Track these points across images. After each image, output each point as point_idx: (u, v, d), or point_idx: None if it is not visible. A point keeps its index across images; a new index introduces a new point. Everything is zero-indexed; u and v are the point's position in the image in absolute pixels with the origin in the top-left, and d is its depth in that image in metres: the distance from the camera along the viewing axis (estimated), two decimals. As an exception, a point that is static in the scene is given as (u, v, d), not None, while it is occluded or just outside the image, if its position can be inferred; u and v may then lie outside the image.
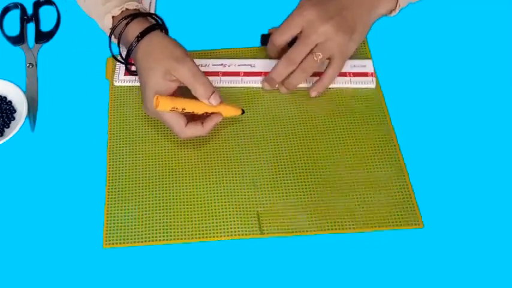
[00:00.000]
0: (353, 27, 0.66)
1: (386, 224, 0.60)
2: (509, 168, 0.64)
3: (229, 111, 0.65)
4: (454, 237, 0.59)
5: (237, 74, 0.71)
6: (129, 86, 0.72)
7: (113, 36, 0.67)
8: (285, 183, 0.63)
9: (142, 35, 0.63)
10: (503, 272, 0.57)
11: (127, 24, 0.65)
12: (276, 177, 0.64)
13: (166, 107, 0.60)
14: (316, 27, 0.64)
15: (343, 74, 0.71)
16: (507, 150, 0.65)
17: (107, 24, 0.67)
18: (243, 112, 0.66)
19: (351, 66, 0.71)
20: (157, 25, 0.65)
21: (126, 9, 0.66)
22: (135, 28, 0.64)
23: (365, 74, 0.71)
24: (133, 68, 0.68)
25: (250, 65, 0.72)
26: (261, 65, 0.72)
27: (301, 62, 0.66)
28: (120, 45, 0.67)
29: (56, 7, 0.79)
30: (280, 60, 0.67)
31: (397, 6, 0.70)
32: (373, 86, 0.70)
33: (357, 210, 0.61)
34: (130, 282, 0.57)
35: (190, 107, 0.62)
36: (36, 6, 0.79)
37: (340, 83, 0.70)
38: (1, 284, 0.58)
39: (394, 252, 0.59)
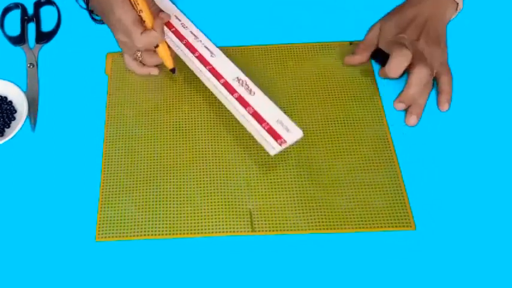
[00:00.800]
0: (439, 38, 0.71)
1: (378, 225, 0.61)
2: (502, 172, 0.65)
3: (166, 53, 0.69)
4: (446, 240, 0.60)
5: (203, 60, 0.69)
6: (128, 86, 0.73)
7: None
8: (278, 181, 0.64)
9: None
10: (494, 274, 0.58)
11: None
12: (269, 175, 0.65)
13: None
14: (417, 47, 0.68)
15: None
16: (501, 153, 0.66)
17: None
18: (174, 71, 0.71)
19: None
20: None
21: None
22: None
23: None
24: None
25: (212, 52, 0.69)
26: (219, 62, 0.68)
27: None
28: None
29: (57, 7, 0.80)
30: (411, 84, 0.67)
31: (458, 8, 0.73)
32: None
33: (350, 210, 0.62)
34: (121, 275, 0.59)
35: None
36: (37, 6, 0.80)
37: None
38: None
39: (385, 254, 0.60)
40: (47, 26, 0.78)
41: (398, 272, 0.59)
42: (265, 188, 0.64)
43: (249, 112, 0.63)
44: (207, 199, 0.63)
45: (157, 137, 0.68)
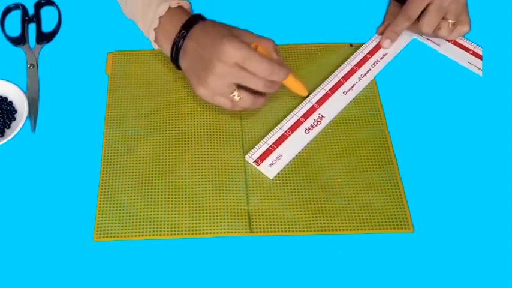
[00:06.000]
0: None
1: (376, 227, 0.61)
2: (501, 174, 0.65)
3: (295, 85, 0.64)
4: (444, 243, 0.60)
5: None
6: (128, 86, 0.73)
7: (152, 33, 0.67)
8: (276, 182, 0.64)
9: (191, 23, 0.64)
10: (493, 277, 0.58)
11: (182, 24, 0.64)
12: (267, 176, 0.65)
13: (262, 52, 0.60)
14: None
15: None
16: (500, 155, 0.66)
17: (159, 12, 0.66)
18: (308, 95, 0.68)
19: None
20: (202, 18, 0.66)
21: (182, 6, 0.67)
22: (181, 19, 0.64)
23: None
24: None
25: None
26: None
27: (435, 30, 0.72)
28: (160, 41, 0.67)
29: (57, 8, 0.80)
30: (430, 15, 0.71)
31: None
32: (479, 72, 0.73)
33: (348, 211, 0.62)
34: (119, 275, 0.59)
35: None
36: (37, 7, 0.80)
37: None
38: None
39: (383, 256, 0.60)
40: (47, 26, 0.79)
41: (396, 274, 0.59)
42: (263, 189, 0.64)
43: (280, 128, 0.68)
44: (206, 199, 0.63)
45: (157, 137, 0.68)
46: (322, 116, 0.69)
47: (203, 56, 0.61)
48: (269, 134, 0.68)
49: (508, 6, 0.80)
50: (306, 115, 0.69)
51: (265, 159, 0.65)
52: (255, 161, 0.65)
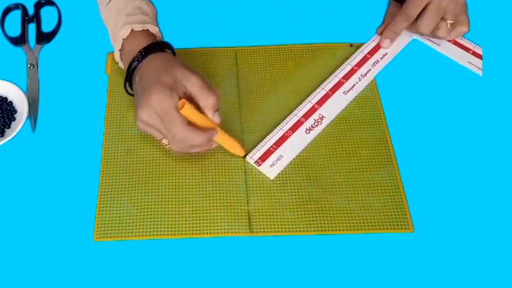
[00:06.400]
0: None
1: (376, 227, 0.61)
2: (501, 175, 0.65)
3: (232, 145, 0.65)
4: (444, 243, 0.60)
5: None
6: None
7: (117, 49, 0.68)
8: (276, 182, 0.64)
9: (148, 51, 0.64)
10: (493, 277, 0.58)
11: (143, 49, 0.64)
12: (267, 176, 0.65)
13: (188, 112, 0.59)
14: None
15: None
16: (500, 155, 0.66)
17: (122, 34, 0.67)
18: (245, 156, 0.66)
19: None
20: (168, 47, 0.66)
21: (147, 29, 0.67)
22: (141, 44, 0.65)
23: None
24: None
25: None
26: None
27: (434, 30, 0.72)
28: (120, 60, 0.69)
29: (57, 8, 0.80)
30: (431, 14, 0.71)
31: None
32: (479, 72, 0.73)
33: (348, 211, 0.62)
34: (119, 275, 0.59)
35: (200, 123, 0.61)
36: (37, 7, 0.80)
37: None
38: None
39: (383, 256, 0.60)
40: (47, 26, 0.79)
41: (396, 274, 0.59)
42: (263, 189, 0.64)
43: (282, 128, 0.68)
44: (206, 199, 0.63)
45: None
46: (322, 117, 0.69)
47: (139, 90, 0.62)
48: (270, 134, 0.68)
49: (508, 6, 0.80)
50: (307, 115, 0.69)
51: (266, 159, 0.65)
52: (255, 161, 0.65)
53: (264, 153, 0.66)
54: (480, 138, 0.68)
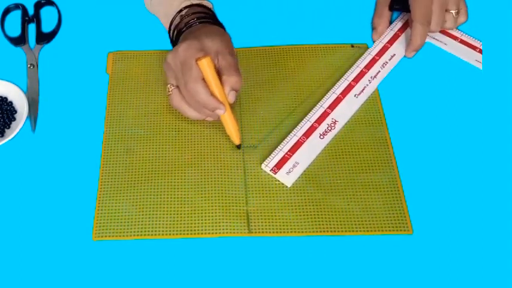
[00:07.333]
0: None
1: (375, 228, 0.61)
2: (501, 176, 0.65)
3: (232, 129, 0.65)
4: (443, 245, 0.60)
5: None
6: (129, 86, 0.73)
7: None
8: (275, 182, 0.64)
9: (205, 18, 0.69)
10: (492, 279, 0.58)
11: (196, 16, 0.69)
12: (266, 176, 0.65)
13: (204, 67, 0.61)
14: None
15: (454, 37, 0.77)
16: (500, 156, 0.66)
17: (181, 4, 0.70)
18: (239, 147, 0.67)
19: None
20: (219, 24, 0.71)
21: (203, 4, 0.72)
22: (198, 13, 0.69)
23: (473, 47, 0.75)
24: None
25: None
26: None
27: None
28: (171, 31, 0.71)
29: (57, 8, 0.80)
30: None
31: None
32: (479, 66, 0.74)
33: (347, 212, 0.62)
34: (118, 275, 0.59)
35: (213, 87, 0.62)
36: (37, 7, 0.80)
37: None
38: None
39: (381, 258, 0.60)
40: (47, 26, 0.79)
41: (394, 276, 0.59)
42: (262, 190, 0.64)
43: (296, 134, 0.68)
44: (205, 199, 0.63)
45: (156, 137, 0.68)
46: (335, 121, 0.69)
47: (181, 40, 0.67)
48: (284, 141, 0.67)
49: (508, 4, 0.80)
50: (319, 120, 0.69)
51: (281, 167, 0.65)
52: (271, 169, 0.65)
53: (280, 161, 0.65)
54: (480, 140, 0.67)
